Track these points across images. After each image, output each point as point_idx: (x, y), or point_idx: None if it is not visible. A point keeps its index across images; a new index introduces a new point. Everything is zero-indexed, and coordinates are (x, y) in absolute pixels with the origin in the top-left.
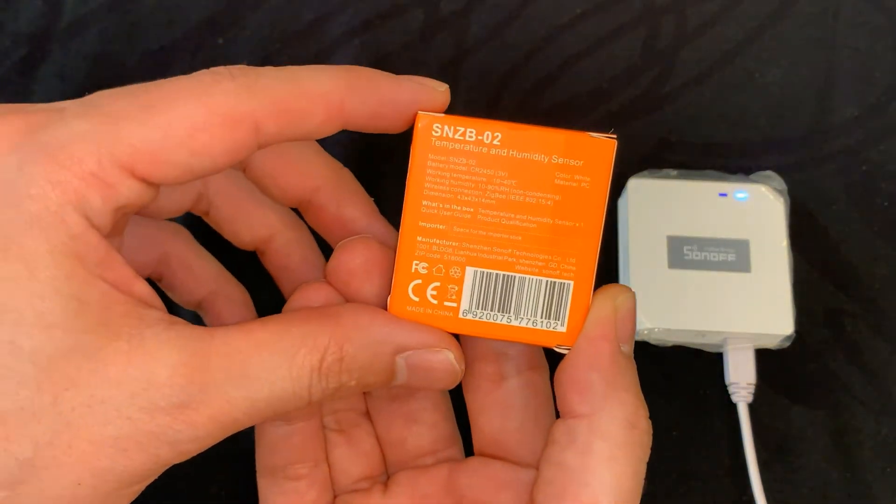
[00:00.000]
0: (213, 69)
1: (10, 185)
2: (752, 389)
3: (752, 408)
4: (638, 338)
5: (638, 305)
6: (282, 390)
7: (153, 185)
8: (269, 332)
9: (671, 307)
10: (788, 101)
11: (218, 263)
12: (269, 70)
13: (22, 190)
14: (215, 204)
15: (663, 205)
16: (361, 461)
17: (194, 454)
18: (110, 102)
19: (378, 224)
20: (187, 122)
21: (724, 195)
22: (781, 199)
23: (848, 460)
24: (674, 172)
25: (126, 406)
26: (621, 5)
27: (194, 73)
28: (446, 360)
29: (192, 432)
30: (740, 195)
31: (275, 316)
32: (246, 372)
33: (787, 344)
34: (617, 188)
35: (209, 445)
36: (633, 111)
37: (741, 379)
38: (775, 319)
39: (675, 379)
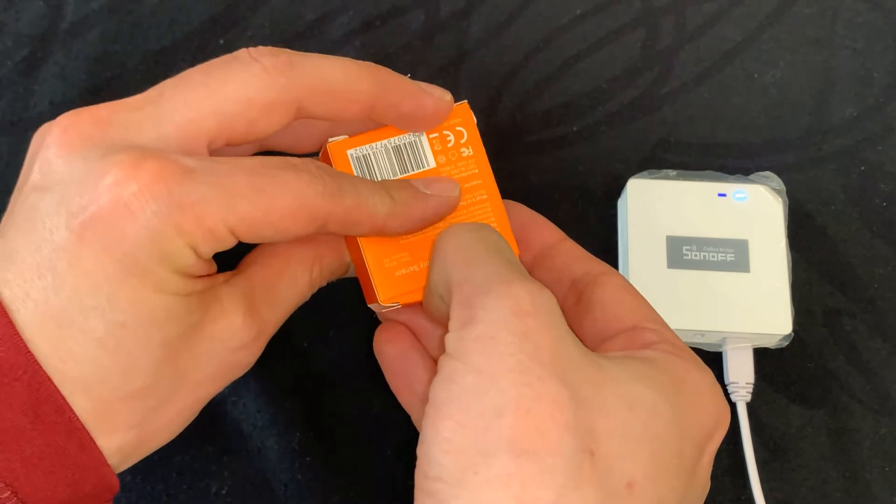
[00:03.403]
0: (299, 162)
1: (148, 229)
2: (750, 389)
3: (751, 407)
4: None
5: None
6: (294, 302)
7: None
8: (280, 264)
9: (670, 307)
10: (787, 101)
11: None
12: (347, 184)
13: (157, 233)
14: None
15: (663, 205)
16: None
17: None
18: (230, 173)
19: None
20: (280, 212)
21: (723, 195)
22: (780, 200)
23: (846, 459)
24: (673, 173)
25: (219, 352)
26: (621, 6)
27: (288, 160)
28: None
29: (255, 356)
30: (739, 195)
31: (277, 248)
32: (274, 299)
33: (786, 343)
34: (617, 189)
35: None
36: (632, 111)
37: (740, 378)
38: (774, 319)
39: None
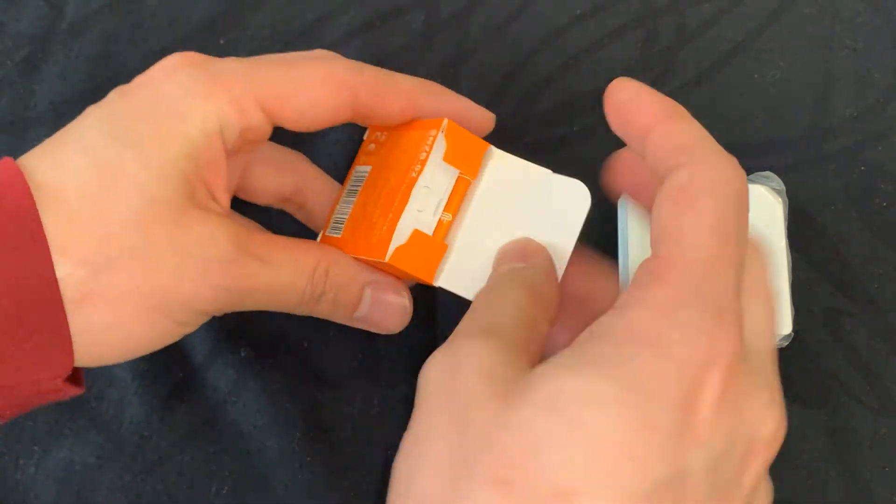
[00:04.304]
0: (322, 51)
1: (179, 85)
2: None
3: None
4: None
5: None
6: (285, 280)
7: (273, 122)
8: (286, 242)
9: None
10: (787, 101)
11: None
12: (369, 65)
13: (186, 93)
14: (309, 196)
15: None
16: None
17: (222, 310)
18: (259, 59)
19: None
20: (312, 80)
21: None
22: (780, 200)
23: (846, 459)
24: None
25: (196, 249)
26: (621, 6)
27: (314, 51)
28: (402, 303)
29: (230, 283)
30: None
31: (293, 238)
32: (269, 260)
33: (786, 343)
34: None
35: (229, 307)
36: None
37: None
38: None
39: None
